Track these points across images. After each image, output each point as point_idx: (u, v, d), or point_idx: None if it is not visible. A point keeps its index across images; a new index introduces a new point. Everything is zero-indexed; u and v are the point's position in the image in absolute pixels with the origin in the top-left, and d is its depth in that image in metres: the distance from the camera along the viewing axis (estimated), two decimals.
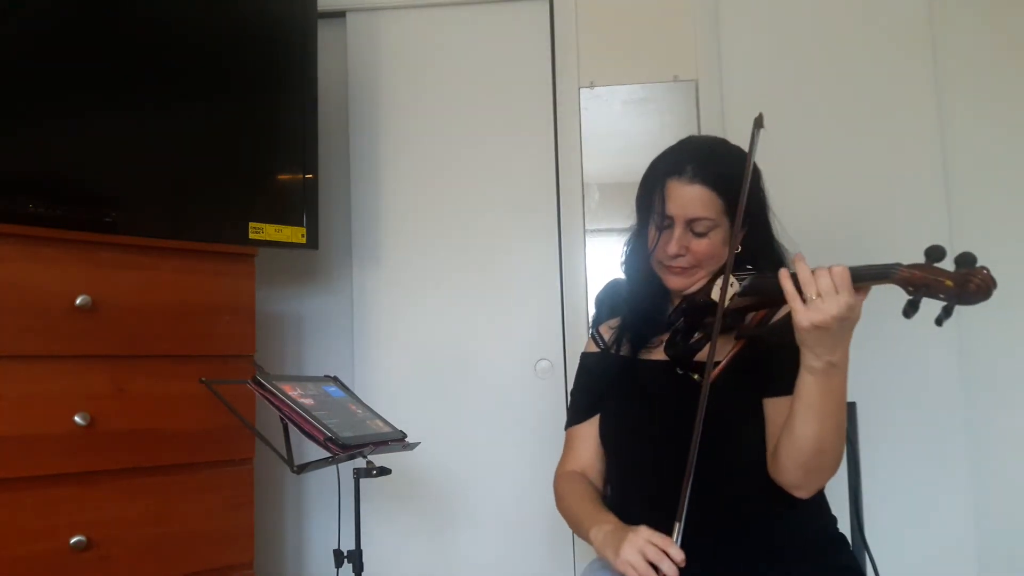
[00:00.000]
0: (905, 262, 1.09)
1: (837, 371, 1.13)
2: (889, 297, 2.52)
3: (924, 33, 2.46)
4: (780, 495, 1.26)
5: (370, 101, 2.63)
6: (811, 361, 1.13)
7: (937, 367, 2.36)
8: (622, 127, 2.49)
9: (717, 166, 1.38)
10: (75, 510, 1.73)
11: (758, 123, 1.28)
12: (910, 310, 1.07)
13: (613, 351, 1.49)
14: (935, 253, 1.06)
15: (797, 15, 2.52)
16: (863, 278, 1.10)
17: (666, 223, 1.37)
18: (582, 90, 2.52)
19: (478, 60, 2.62)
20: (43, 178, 1.78)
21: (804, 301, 1.10)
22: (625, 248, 1.51)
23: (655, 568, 1.13)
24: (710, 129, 2.44)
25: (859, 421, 1.61)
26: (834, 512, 1.42)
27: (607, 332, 1.54)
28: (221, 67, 2.08)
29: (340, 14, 2.63)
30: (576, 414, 1.53)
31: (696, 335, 1.28)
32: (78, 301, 1.76)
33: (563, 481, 1.48)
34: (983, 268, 1.02)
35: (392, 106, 2.63)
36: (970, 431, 2.34)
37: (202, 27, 2.05)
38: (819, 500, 1.40)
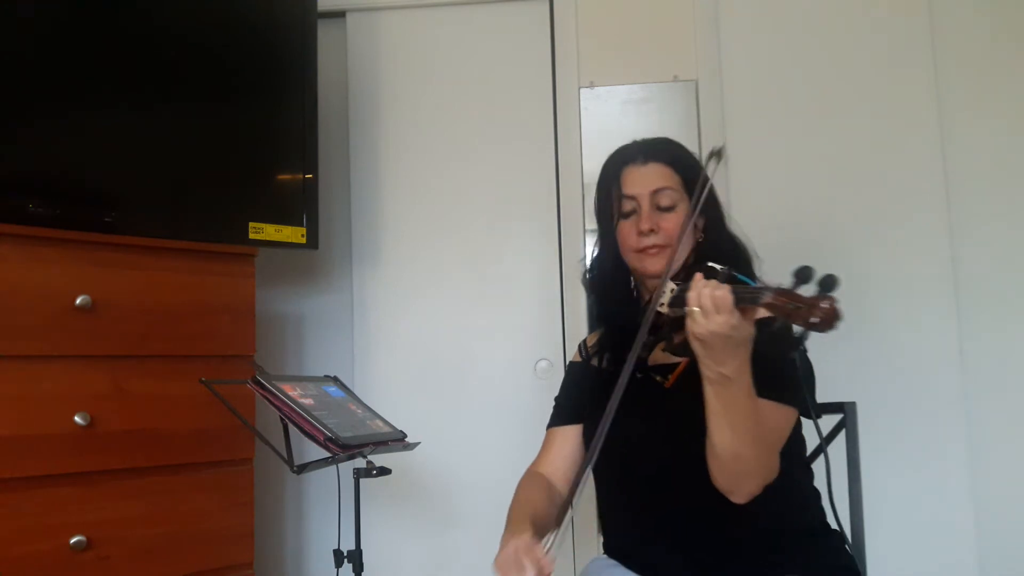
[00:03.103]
0: (784, 285, 1.07)
1: (732, 384, 1.13)
2: (888, 298, 2.53)
3: (924, 32, 2.46)
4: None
5: (370, 101, 2.63)
6: (704, 370, 1.14)
7: (937, 368, 2.36)
8: (622, 127, 2.48)
9: (667, 148, 1.45)
10: (75, 510, 1.74)
11: (718, 155, 1.29)
12: (771, 340, 1.05)
13: (595, 363, 1.51)
14: (802, 275, 1.04)
15: (797, 15, 2.52)
16: (738, 299, 1.09)
17: (631, 208, 1.41)
18: (582, 90, 2.52)
19: (478, 60, 2.62)
20: (43, 178, 1.78)
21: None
22: (587, 271, 1.55)
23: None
24: (710, 129, 2.45)
25: (859, 422, 1.60)
26: (833, 512, 1.42)
27: (592, 341, 1.56)
28: (221, 67, 2.08)
29: (340, 14, 2.63)
30: (556, 417, 1.57)
31: (651, 338, 1.28)
32: (78, 301, 1.76)
33: (523, 481, 1.51)
34: (829, 299, 1.01)
35: (392, 106, 2.63)
36: (970, 432, 2.34)
37: (202, 27, 2.05)
38: (800, 495, 1.39)
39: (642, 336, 1.21)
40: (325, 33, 2.40)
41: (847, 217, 2.43)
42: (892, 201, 2.43)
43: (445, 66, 2.63)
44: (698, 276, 1.13)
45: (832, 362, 2.34)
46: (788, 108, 2.49)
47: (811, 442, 1.53)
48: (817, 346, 2.32)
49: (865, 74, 2.47)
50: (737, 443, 1.17)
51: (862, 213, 2.43)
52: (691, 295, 1.11)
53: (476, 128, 2.60)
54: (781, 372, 1.28)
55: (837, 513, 1.42)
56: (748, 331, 1.10)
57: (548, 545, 1.21)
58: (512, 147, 2.58)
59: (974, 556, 2.30)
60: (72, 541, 1.72)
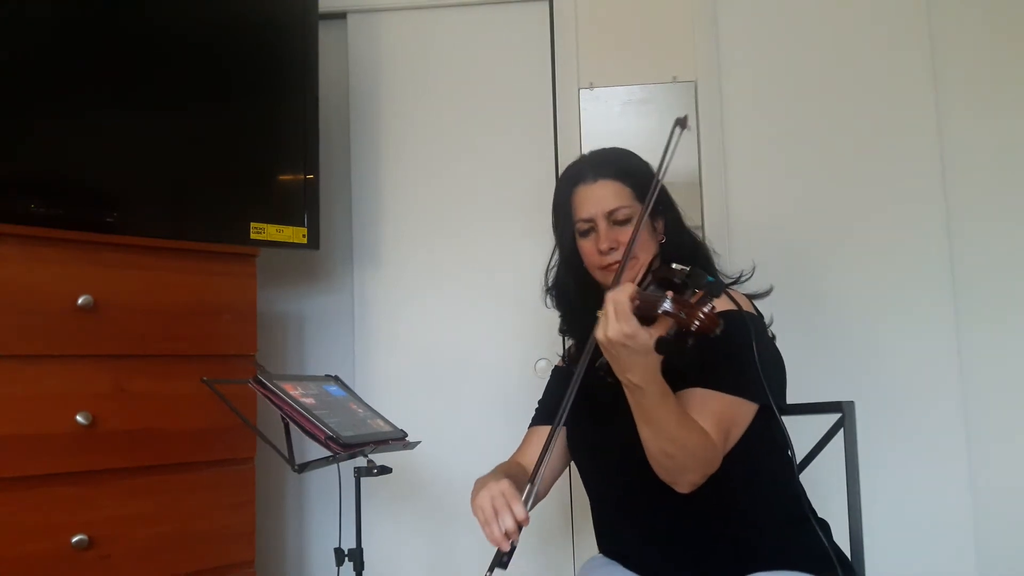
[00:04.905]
0: (677, 297, 1.08)
1: (641, 393, 1.14)
2: (886, 298, 2.53)
3: (922, 32, 2.47)
4: (722, 484, 1.27)
5: (371, 102, 2.64)
6: (616, 373, 1.15)
7: (935, 367, 2.36)
8: (621, 128, 2.49)
9: (612, 162, 1.47)
10: (76, 509, 1.74)
11: (682, 124, 1.28)
12: (660, 345, 1.06)
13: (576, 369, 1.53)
14: (694, 281, 1.07)
15: (795, 16, 2.52)
16: (642, 307, 1.09)
17: (588, 227, 1.45)
18: (582, 91, 2.52)
19: (478, 61, 2.63)
20: (45, 178, 1.79)
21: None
22: (549, 281, 1.61)
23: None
24: (709, 129, 2.45)
25: (858, 421, 1.61)
26: (832, 512, 1.42)
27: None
28: (223, 68, 2.09)
29: (341, 15, 2.64)
30: (537, 416, 1.63)
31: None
32: (80, 301, 1.77)
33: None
34: (707, 306, 1.03)
35: (393, 107, 2.63)
36: (968, 431, 2.34)
37: (204, 28, 2.06)
38: (779, 487, 1.39)
39: (591, 345, 1.22)
40: (326, 34, 2.41)
41: (846, 217, 2.44)
42: (891, 201, 2.43)
43: (445, 67, 2.63)
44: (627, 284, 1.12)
45: (831, 361, 2.37)
46: (786, 108, 2.49)
47: (807, 440, 1.54)
48: (816, 345, 2.35)
49: (863, 75, 2.48)
50: (660, 442, 1.19)
51: (861, 213, 2.44)
52: (605, 300, 1.11)
53: (476, 129, 2.60)
54: (734, 364, 1.28)
55: (810, 502, 1.42)
56: (648, 342, 1.08)
57: (524, 497, 1.22)
58: (512, 148, 2.59)
59: (972, 554, 2.31)
60: (73, 540, 1.72)
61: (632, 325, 1.07)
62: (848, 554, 1.43)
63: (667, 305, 1.06)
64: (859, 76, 2.48)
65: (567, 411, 1.24)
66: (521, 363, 2.52)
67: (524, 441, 1.61)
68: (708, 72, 2.49)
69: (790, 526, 1.35)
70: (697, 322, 1.03)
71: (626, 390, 1.17)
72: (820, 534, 1.32)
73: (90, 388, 1.78)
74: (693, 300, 1.06)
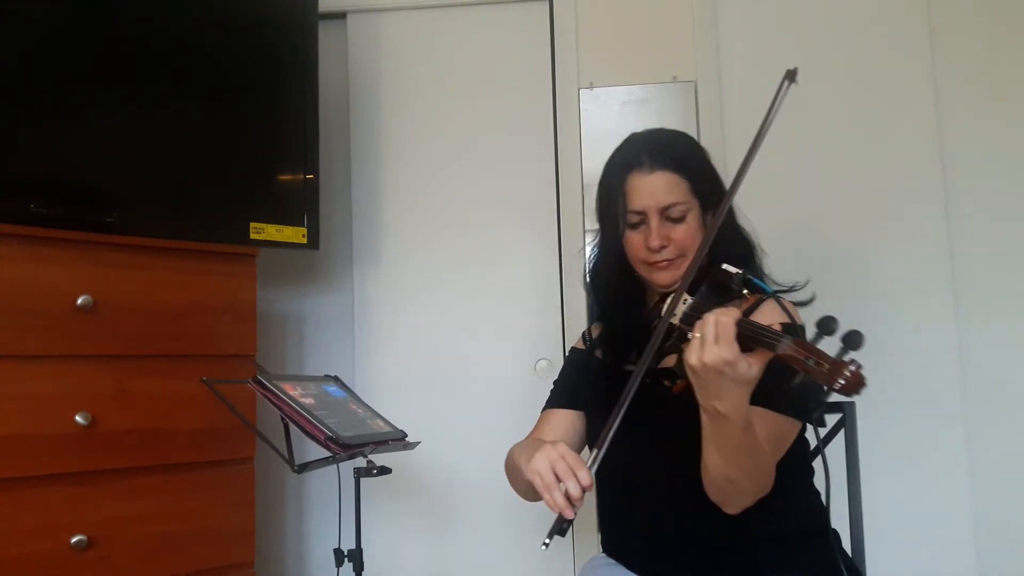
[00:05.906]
0: (794, 336, 0.99)
1: (726, 421, 1.07)
2: (887, 298, 2.53)
3: (922, 33, 2.46)
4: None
5: (371, 101, 2.64)
6: (699, 398, 1.09)
7: (936, 368, 2.36)
8: (621, 128, 2.46)
9: (671, 150, 1.38)
10: (76, 509, 1.74)
11: (791, 76, 1.17)
12: (792, 398, 0.99)
13: (598, 354, 1.49)
14: (825, 326, 0.97)
15: (795, 16, 2.52)
16: (748, 337, 1.01)
17: (639, 219, 1.36)
18: (581, 91, 2.52)
19: (478, 61, 2.63)
20: (45, 179, 1.78)
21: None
22: (589, 265, 1.50)
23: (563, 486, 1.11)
24: (709, 129, 2.45)
25: (859, 422, 1.61)
26: (832, 512, 1.42)
27: (597, 331, 1.55)
28: (222, 68, 2.08)
29: (341, 15, 2.64)
30: (552, 399, 1.55)
31: (660, 348, 1.20)
32: (79, 301, 1.76)
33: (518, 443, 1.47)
34: (853, 363, 0.91)
35: (393, 106, 2.64)
36: (969, 432, 2.34)
37: (204, 28, 2.06)
38: (800, 498, 1.39)
39: (652, 348, 1.15)
40: (326, 34, 2.41)
41: (846, 218, 2.44)
42: (891, 201, 2.43)
43: (445, 67, 2.63)
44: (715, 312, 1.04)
45: None
46: (786, 109, 2.48)
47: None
48: (815, 345, 2.33)
49: (864, 75, 2.48)
50: (728, 469, 1.15)
51: (861, 214, 2.44)
52: (702, 322, 1.04)
53: (476, 129, 2.60)
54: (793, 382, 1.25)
55: (829, 513, 1.41)
56: (747, 372, 1.02)
57: (592, 461, 1.13)
58: (512, 147, 2.59)
59: (972, 555, 2.31)
60: (73, 540, 1.72)
61: (734, 352, 1.00)
62: (848, 552, 1.43)
63: (786, 348, 0.96)
64: (859, 76, 2.48)
65: (623, 409, 1.15)
66: (521, 363, 2.52)
67: (539, 423, 1.54)
68: (708, 72, 2.49)
69: (801, 538, 1.34)
70: (843, 381, 0.90)
71: (705, 415, 1.09)
72: (833, 547, 1.31)
73: (90, 388, 1.78)
74: (822, 351, 0.94)
